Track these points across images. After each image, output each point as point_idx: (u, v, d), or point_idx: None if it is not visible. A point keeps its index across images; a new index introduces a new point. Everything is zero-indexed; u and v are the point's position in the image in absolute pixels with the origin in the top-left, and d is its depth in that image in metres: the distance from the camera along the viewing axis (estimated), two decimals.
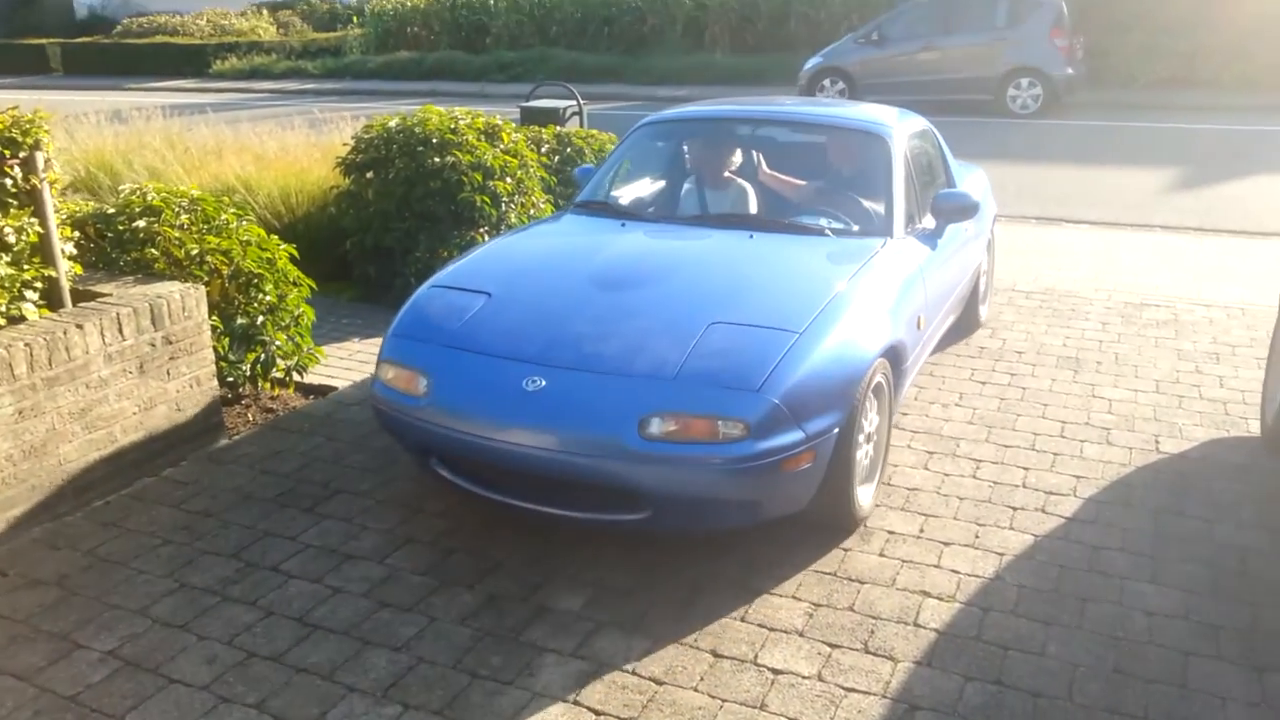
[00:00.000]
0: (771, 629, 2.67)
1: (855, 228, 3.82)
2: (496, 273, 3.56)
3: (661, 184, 4.45)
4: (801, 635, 2.64)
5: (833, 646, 2.60)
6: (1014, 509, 3.29)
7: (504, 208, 5.40)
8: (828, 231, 3.80)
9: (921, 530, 3.17)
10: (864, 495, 3.20)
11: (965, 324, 4.97)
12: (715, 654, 2.57)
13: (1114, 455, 3.67)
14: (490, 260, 3.75)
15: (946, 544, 3.08)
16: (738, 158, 4.34)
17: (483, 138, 5.53)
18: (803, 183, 4.24)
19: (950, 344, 4.81)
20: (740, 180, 4.24)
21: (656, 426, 2.75)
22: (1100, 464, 3.60)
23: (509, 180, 5.42)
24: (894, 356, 3.29)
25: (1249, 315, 5.26)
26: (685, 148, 4.49)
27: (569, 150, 6.33)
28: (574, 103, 7.48)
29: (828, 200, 4.03)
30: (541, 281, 3.50)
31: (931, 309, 3.79)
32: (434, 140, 5.30)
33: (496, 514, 3.20)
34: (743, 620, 2.71)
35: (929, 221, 4.04)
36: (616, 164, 4.40)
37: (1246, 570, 2.93)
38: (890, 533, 3.15)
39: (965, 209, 4.03)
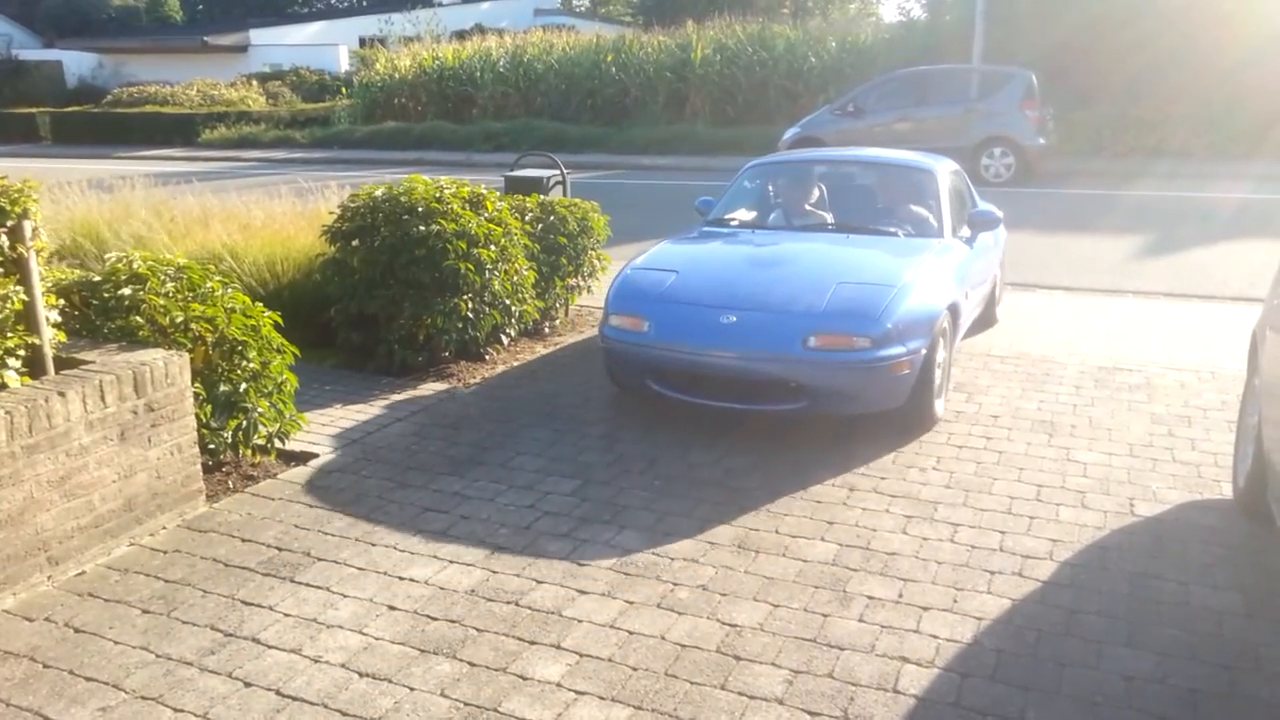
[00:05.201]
0: (752, 696, 2.66)
1: (918, 232, 5.45)
2: (675, 260, 5.11)
3: (770, 207, 6.07)
4: (781, 703, 2.64)
5: (813, 714, 2.59)
6: (991, 573, 3.31)
7: (488, 275, 5.47)
8: (900, 234, 5.42)
9: (900, 595, 3.18)
10: (938, 406, 4.68)
11: (986, 319, 6.36)
12: None
13: (1089, 519, 3.71)
14: (666, 255, 5.25)
15: (925, 609, 3.09)
16: (821, 190, 6.04)
17: (468, 206, 5.63)
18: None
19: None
20: (820, 212, 5.88)
21: (813, 342, 4.30)
22: (1076, 527, 3.64)
23: (493, 248, 5.50)
24: (953, 311, 4.81)
25: (1219, 379, 5.36)
26: (784, 181, 6.25)
27: (552, 219, 6.44)
28: (557, 172, 7.63)
29: (897, 215, 5.67)
30: (712, 264, 5.22)
31: (972, 287, 5.36)
32: (419, 209, 5.39)
33: (476, 591, 3.18)
34: (723, 689, 2.70)
35: (966, 231, 5.64)
36: (733, 195, 6.11)
37: (1222, 633, 2.95)
38: (869, 598, 3.16)
39: (992, 221, 5.77)
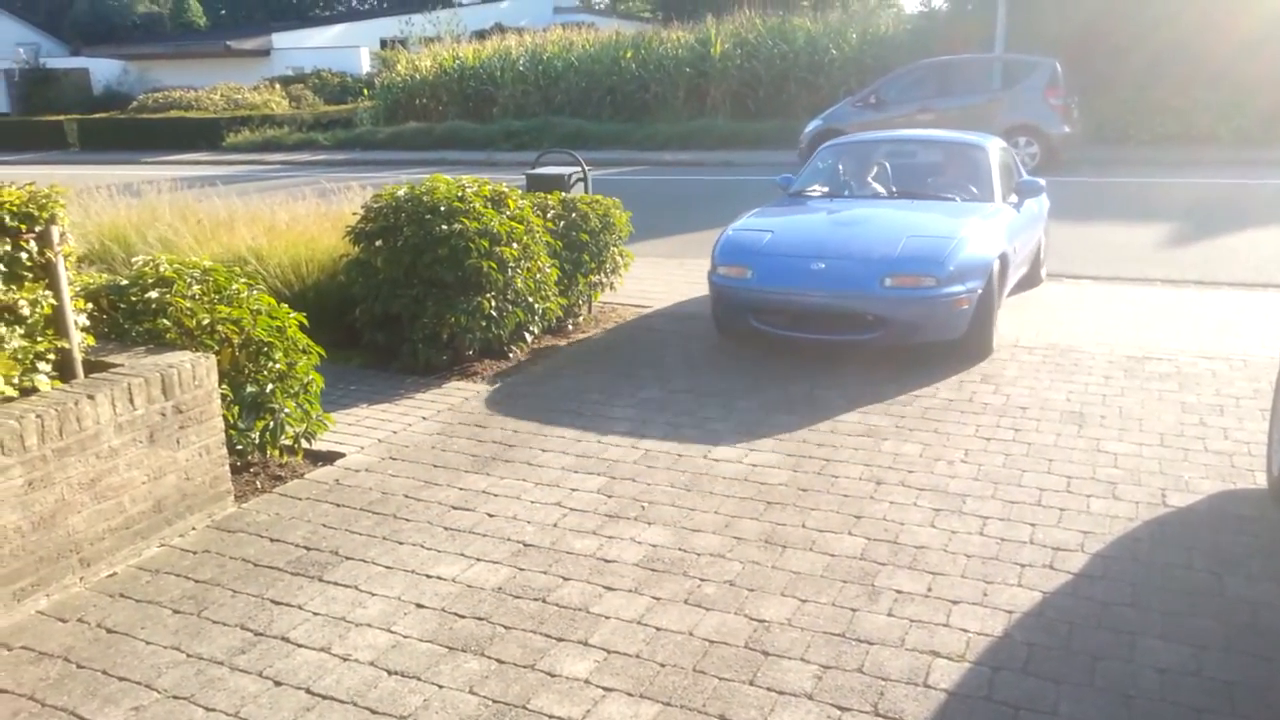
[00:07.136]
0: (781, 692, 2.65)
1: (971, 198, 6.42)
2: (769, 223, 6.15)
3: (842, 181, 7.00)
4: (811, 698, 2.62)
5: (842, 709, 2.57)
6: (1022, 565, 3.27)
7: (510, 273, 5.48)
8: (957, 200, 6.41)
9: (929, 589, 3.15)
10: (993, 338, 5.58)
11: (1032, 278, 7.17)
12: (724, 719, 2.55)
13: (1121, 510, 3.66)
14: (759, 219, 6.28)
15: (955, 602, 3.06)
16: (885, 165, 7.01)
17: (490, 205, 5.64)
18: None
19: (954, 402, 4.84)
20: (887, 182, 6.85)
21: (889, 281, 5.27)
22: (1107, 519, 3.59)
23: (515, 246, 5.51)
24: (1003, 260, 5.71)
25: (1251, 367, 5.27)
26: (854, 158, 7.20)
27: (574, 216, 6.44)
28: (579, 169, 7.63)
29: (953, 184, 6.64)
30: (800, 224, 6.29)
31: (1019, 243, 6.22)
32: (442, 208, 5.40)
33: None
34: (751, 684, 2.69)
35: (1013, 197, 6.55)
36: (810, 172, 7.15)
37: (1258, 624, 2.90)
38: (898, 592, 3.13)
39: (1036, 189, 6.67)
